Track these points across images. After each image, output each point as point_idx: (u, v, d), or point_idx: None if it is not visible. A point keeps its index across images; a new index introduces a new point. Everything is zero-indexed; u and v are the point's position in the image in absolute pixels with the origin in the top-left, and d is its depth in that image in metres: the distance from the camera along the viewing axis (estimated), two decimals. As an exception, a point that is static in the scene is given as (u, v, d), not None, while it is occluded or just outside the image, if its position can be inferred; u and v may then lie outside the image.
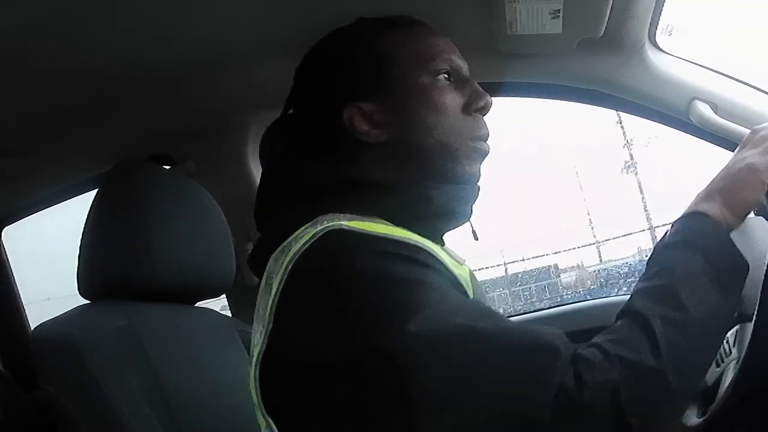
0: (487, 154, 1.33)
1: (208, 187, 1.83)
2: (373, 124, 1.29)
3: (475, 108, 1.31)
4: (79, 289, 1.74)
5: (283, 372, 1.13)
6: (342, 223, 1.15)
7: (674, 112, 1.76)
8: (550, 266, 12.48)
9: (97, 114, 1.84)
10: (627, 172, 14.51)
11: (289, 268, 1.13)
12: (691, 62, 1.81)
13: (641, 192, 13.98)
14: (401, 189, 1.26)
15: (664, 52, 1.80)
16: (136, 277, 1.64)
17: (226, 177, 2.19)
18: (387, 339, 1.04)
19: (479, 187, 1.36)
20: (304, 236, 1.14)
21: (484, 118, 1.34)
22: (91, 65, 1.58)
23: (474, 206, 1.36)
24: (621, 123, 13.86)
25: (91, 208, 1.74)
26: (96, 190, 1.80)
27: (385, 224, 1.20)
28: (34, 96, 1.70)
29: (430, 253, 1.16)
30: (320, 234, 1.13)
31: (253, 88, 1.91)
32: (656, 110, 1.80)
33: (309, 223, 1.18)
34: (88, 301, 1.74)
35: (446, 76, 1.31)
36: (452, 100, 1.30)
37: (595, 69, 1.80)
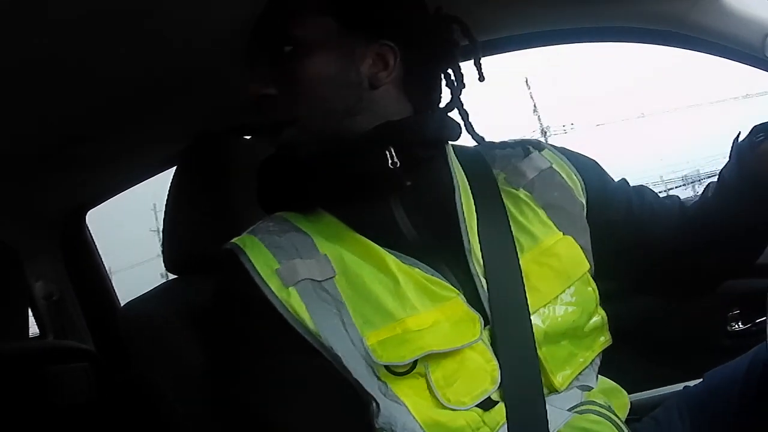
0: None
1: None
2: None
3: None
4: (165, 265, 1.77)
5: None
6: (235, 241, 1.31)
7: (749, 49, 1.72)
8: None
9: (169, 92, 1.86)
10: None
11: None
12: (765, -2, 1.77)
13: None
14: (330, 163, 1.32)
15: (737, -11, 1.77)
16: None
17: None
18: None
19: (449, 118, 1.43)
20: None
21: None
22: (159, 42, 1.59)
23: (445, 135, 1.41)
24: (537, 111, 13.81)
25: (171, 184, 1.76)
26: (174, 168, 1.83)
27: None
28: (104, 80, 1.71)
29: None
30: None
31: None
32: (732, 48, 1.76)
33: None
34: (175, 276, 1.76)
35: None
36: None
37: (668, 9, 1.76)
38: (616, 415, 1.30)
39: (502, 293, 1.26)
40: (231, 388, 1.22)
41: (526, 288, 1.27)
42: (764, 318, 1.39)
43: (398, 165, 1.26)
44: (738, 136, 1.37)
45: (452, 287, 1.24)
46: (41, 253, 2.81)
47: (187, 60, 1.71)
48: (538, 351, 1.23)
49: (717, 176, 1.42)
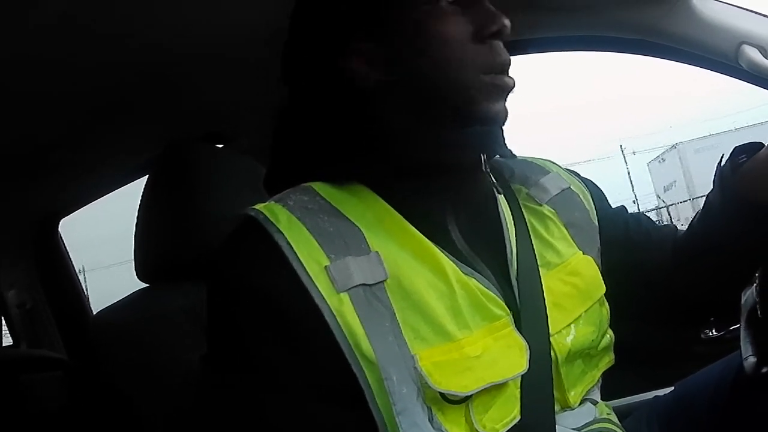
0: (510, 90, 1.14)
1: (263, 163, 1.81)
2: (371, 66, 1.12)
3: (488, 33, 1.11)
4: (137, 274, 1.75)
5: None
6: (261, 209, 1.06)
7: (723, 58, 1.73)
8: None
9: (143, 99, 1.85)
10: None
11: None
12: (737, 6, 1.78)
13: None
14: (410, 137, 1.12)
15: (709, -3, 1.78)
16: (195, 258, 1.61)
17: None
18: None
19: (502, 131, 1.22)
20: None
21: (501, 44, 1.14)
22: (133, 50, 1.59)
23: (498, 150, 1.24)
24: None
25: (144, 192, 1.75)
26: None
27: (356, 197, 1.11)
28: (77, 88, 1.71)
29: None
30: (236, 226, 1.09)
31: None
32: (705, 57, 1.77)
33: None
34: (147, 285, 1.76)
35: None
36: (457, 26, 1.11)
37: (641, 18, 1.77)
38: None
39: (531, 314, 1.15)
40: (225, 411, 1.01)
41: (551, 305, 1.17)
42: (738, 325, 1.39)
43: (488, 171, 1.21)
44: (721, 159, 1.36)
45: (504, 305, 1.11)
46: (14, 261, 2.79)
47: (159, 68, 1.70)
48: (561, 369, 1.16)
49: (703, 204, 1.41)
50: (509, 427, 1.06)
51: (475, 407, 1.03)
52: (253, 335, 1.01)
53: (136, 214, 1.75)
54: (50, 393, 2.44)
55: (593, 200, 1.40)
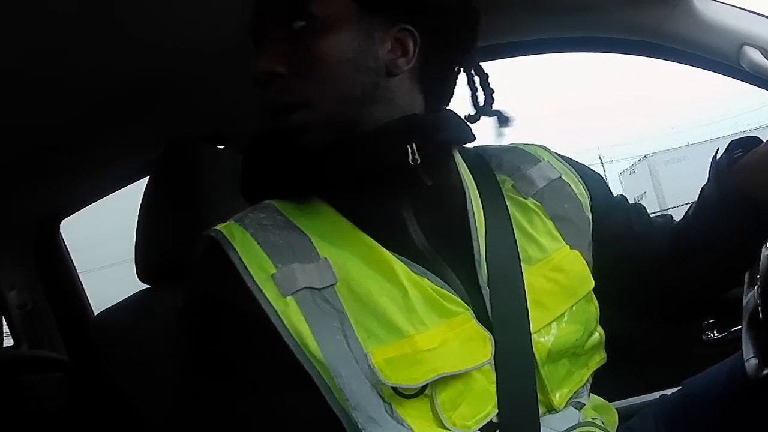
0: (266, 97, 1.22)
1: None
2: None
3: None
4: (138, 274, 1.75)
5: None
6: (221, 229, 1.15)
7: (724, 59, 1.73)
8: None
9: (144, 100, 1.85)
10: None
11: None
12: (738, 8, 1.78)
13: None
14: (328, 152, 1.19)
15: (711, -1, 1.78)
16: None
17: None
18: None
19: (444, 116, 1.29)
20: None
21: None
22: (134, 51, 1.59)
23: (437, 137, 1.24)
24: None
25: (144, 193, 1.75)
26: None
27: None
28: (78, 89, 1.70)
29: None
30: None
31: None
32: (706, 58, 1.77)
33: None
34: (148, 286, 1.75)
35: None
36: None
37: (642, 20, 1.76)
38: None
39: (506, 310, 1.16)
40: (204, 412, 1.10)
41: (531, 303, 1.18)
42: (740, 327, 1.38)
43: (419, 162, 1.15)
44: (716, 153, 1.35)
45: (462, 302, 1.13)
46: (15, 262, 2.79)
47: (160, 69, 1.70)
48: (541, 370, 1.15)
49: (697, 196, 1.40)
50: (483, 423, 1.08)
51: (441, 403, 1.06)
52: (218, 342, 1.09)
53: (137, 214, 1.75)
54: (51, 393, 2.45)
55: (590, 190, 1.37)
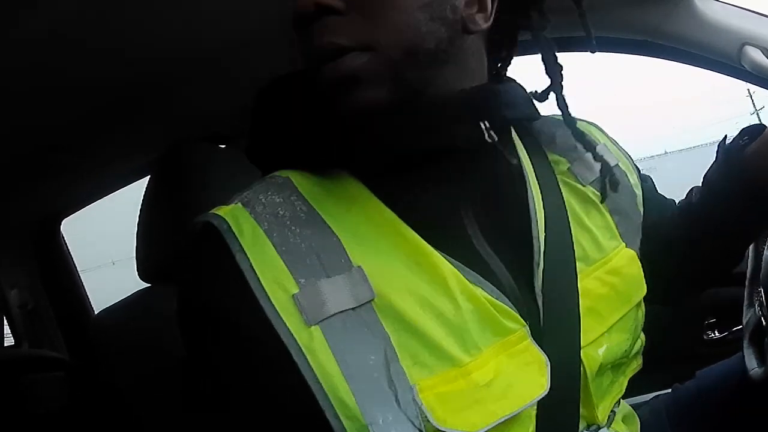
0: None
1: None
2: None
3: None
4: (138, 273, 1.76)
5: None
6: (224, 215, 0.93)
7: (725, 59, 1.74)
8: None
9: (145, 101, 1.85)
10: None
11: None
12: (740, 7, 1.78)
13: None
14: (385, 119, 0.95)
15: (712, -2, 1.78)
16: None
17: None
18: None
19: (513, 89, 1.07)
20: None
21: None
22: (134, 52, 1.58)
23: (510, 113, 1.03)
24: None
25: (145, 192, 1.75)
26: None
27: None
28: (79, 89, 1.70)
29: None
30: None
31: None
32: (707, 57, 1.78)
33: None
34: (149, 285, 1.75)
35: None
36: None
37: (643, 19, 1.77)
38: None
39: (557, 321, 0.98)
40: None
41: (585, 310, 1.00)
42: (741, 326, 1.39)
43: (496, 140, 0.96)
44: (725, 139, 1.34)
45: (518, 316, 0.93)
46: (16, 261, 2.80)
47: (160, 70, 1.70)
48: (590, 385, 1.00)
49: (702, 180, 1.38)
50: None
51: None
52: (220, 365, 0.89)
53: (138, 213, 1.75)
54: (51, 393, 2.45)
55: (642, 182, 1.26)
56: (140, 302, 1.69)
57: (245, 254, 0.87)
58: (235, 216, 0.91)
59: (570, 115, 1.11)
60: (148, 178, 1.82)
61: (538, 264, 0.99)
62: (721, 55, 1.74)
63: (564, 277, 1.01)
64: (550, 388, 0.91)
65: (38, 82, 1.59)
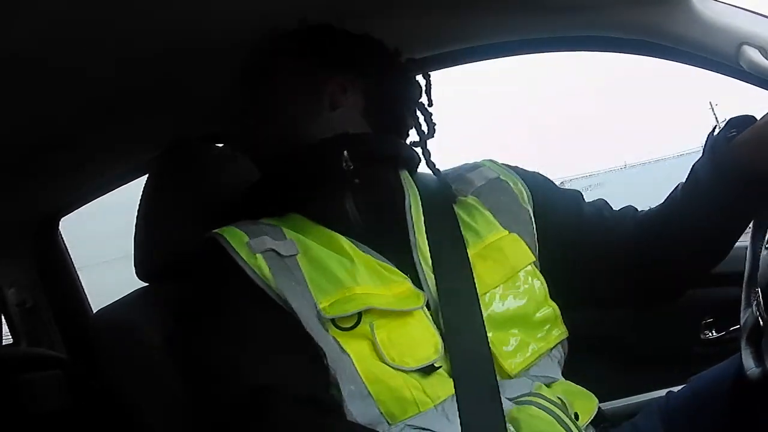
0: None
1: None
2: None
3: None
4: (136, 273, 1.76)
5: None
6: (222, 232, 1.40)
7: (723, 59, 1.73)
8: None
9: (144, 99, 1.84)
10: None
11: None
12: (738, 7, 1.78)
13: None
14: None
15: (710, -2, 1.77)
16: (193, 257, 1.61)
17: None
18: None
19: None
20: None
21: None
22: (133, 50, 1.58)
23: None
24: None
25: (144, 191, 1.75)
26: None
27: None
28: (77, 87, 1.70)
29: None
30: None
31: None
32: (705, 57, 1.77)
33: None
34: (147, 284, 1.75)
35: None
36: None
37: (641, 19, 1.76)
38: (564, 413, 1.33)
39: (449, 280, 1.40)
40: (201, 344, 1.33)
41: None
42: (738, 326, 1.39)
43: (351, 167, 1.43)
44: (713, 130, 1.38)
45: (401, 273, 1.39)
46: (14, 259, 2.79)
47: (160, 68, 1.70)
48: (488, 333, 1.35)
49: (688, 173, 1.43)
50: (424, 365, 1.29)
51: (380, 341, 1.28)
52: (209, 287, 1.38)
53: (136, 211, 1.75)
54: (50, 392, 2.45)
55: (529, 186, 1.59)
56: (139, 301, 1.69)
57: (223, 236, 1.37)
58: (221, 228, 1.40)
59: (430, 161, 1.62)
60: (146, 176, 1.82)
61: (415, 245, 1.44)
62: (718, 55, 1.73)
63: (452, 253, 1.44)
64: (455, 330, 1.34)
65: (38, 81, 1.59)
